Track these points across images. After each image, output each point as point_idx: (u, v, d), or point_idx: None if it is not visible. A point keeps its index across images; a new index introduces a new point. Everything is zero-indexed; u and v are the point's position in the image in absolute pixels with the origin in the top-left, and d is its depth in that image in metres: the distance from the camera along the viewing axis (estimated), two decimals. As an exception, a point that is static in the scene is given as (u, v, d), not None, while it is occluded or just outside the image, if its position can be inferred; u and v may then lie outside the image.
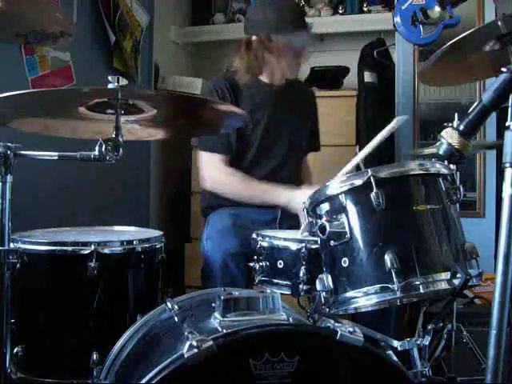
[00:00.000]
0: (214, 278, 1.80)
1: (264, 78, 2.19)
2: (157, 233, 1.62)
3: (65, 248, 1.43)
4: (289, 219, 1.97)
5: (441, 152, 1.22)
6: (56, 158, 1.25)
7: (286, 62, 2.12)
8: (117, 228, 1.78)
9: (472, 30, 1.20)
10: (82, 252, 1.41)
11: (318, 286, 1.28)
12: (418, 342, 1.36)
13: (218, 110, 1.45)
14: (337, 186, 1.27)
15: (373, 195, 1.22)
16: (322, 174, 2.37)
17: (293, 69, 2.17)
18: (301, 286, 1.43)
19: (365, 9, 3.17)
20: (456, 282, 1.21)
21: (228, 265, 1.78)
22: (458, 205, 1.31)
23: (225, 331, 1.02)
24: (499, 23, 1.17)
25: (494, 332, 1.06)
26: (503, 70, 1.12)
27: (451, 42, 1.23)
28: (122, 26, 2.59)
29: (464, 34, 1.20)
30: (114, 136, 1.21)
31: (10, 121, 1.38)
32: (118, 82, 1.16)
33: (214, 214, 2.09)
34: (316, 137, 2.37)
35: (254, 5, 2.98)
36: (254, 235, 1.59)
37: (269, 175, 2.11)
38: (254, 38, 2.11)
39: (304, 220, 1.42)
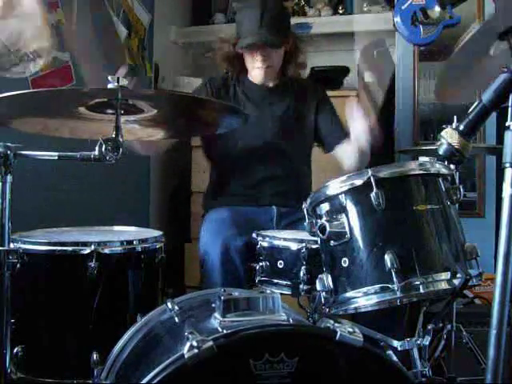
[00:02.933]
0: (214, 266, 1.74)
1: (252, 79, 2.16)
2: (157, 233, 1.62)
3: (65, 248, 1.43)
4: (285, 218, 1.99)
5: (441, 152, 1.22)
6: (56, 157, 1.25)
7: (249, 67, 2.08)
8: (117, 228, 1.78)
9: (472, 32, 1.20)
10: (82, 252, 1.41)
11: (318, 286, 1.29)
12: (418, 342, 1.36)
13: (217, 109, 1.45)
14: (337, 185, 1.27)
15: (373, 195, 1.22)
16: (321, 173, 2.38)
17: (256, 73, 2.07)
18: (301, 286, 1.43)
19: (365, 9, 3.17)
20: (456, 281, 1.21)
21: (228, 249, 1.72)
22: (457, 205, 1.31)
23: (225, 331, 1.01)
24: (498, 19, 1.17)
25: (493, 332, 1.06)
26: (503, 69, 1.12)
27: (455, 50, 1.23)
28: (127, 24, 2.60)
29: (465, 39, 1.20)
30: (114, 136, 1.21)
31: (10, 121, 1.38)
32: (117, 81, 1.16)
33: (211, 211, 2.08)
34: (335, 127, 2.17)
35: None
36: (254, 235, 1.60)
37: (263, 168, 2.09)
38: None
39: None
